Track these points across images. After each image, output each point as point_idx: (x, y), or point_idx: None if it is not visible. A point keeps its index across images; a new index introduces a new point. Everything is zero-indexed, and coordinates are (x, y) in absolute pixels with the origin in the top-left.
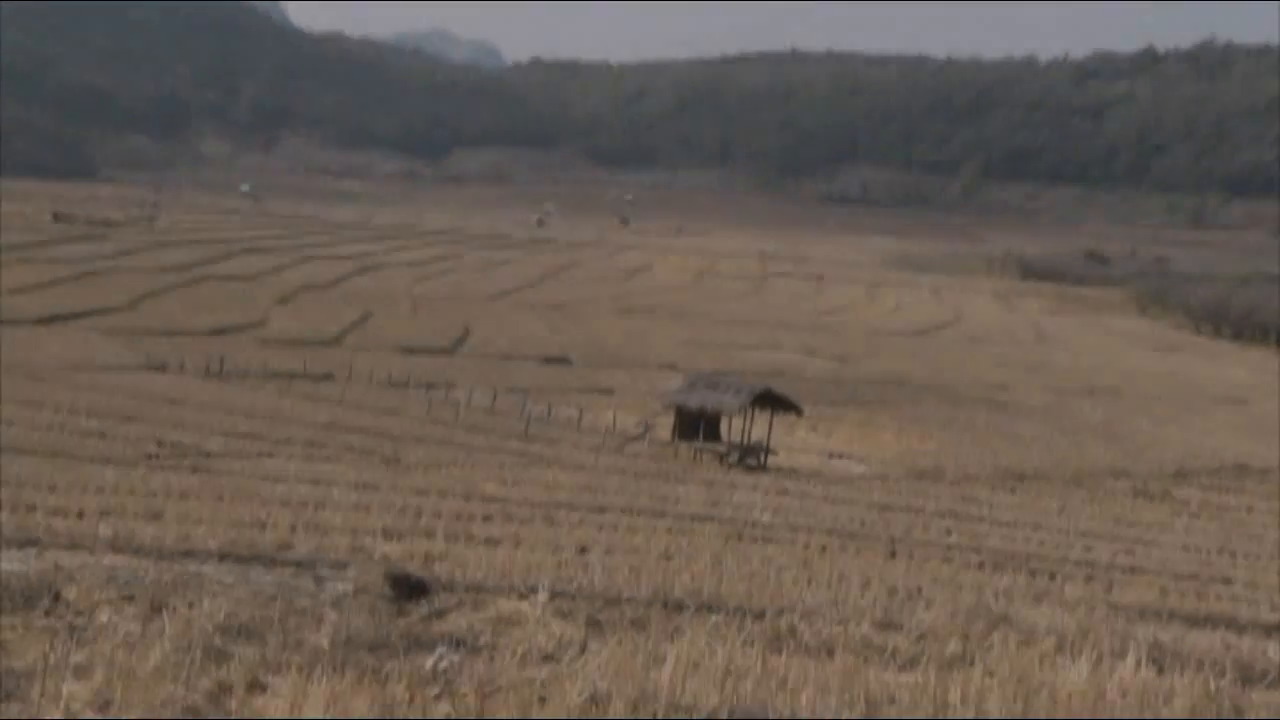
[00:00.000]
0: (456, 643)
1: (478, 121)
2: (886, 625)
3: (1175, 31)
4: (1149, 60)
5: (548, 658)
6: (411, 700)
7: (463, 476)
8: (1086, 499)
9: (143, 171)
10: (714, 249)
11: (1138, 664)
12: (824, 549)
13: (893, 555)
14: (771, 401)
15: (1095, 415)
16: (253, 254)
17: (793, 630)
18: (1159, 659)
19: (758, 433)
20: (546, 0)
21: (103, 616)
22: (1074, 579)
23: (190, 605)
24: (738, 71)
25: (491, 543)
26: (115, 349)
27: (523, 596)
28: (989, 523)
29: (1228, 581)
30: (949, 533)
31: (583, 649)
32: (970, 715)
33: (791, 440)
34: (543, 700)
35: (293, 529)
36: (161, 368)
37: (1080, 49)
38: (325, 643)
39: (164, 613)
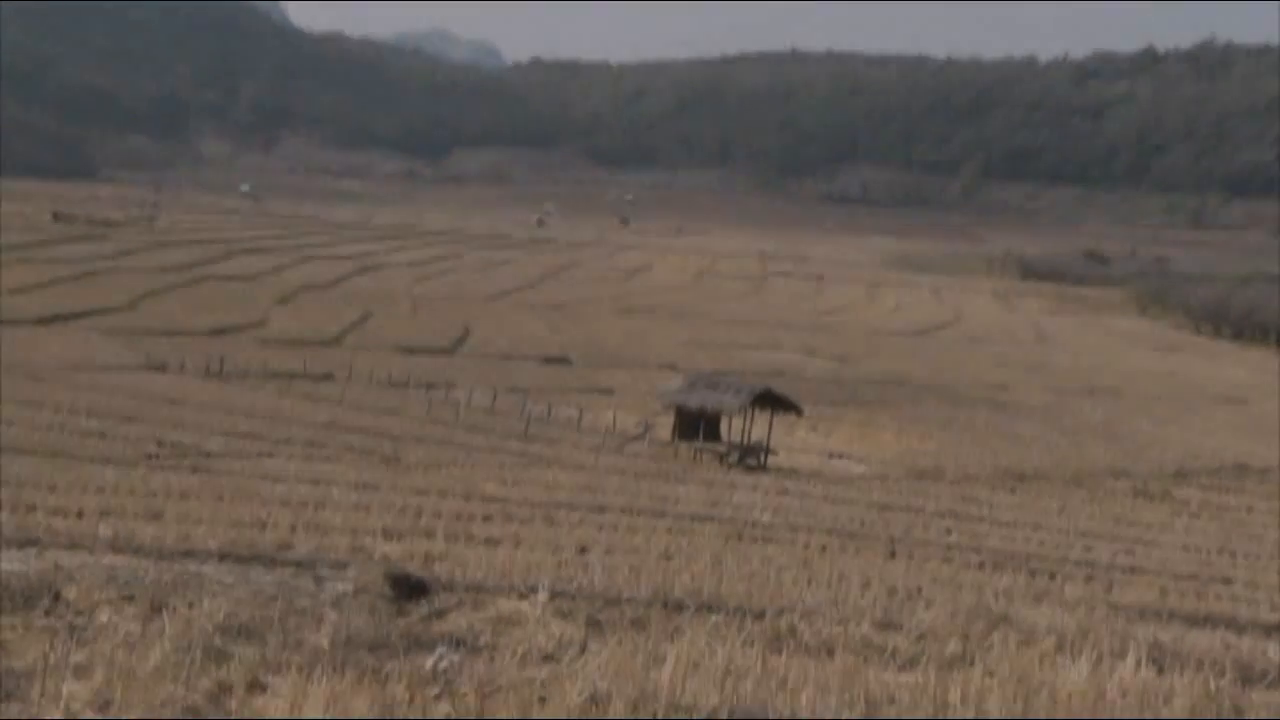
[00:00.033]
0: (456, 643)
1: (478, 121)
2: (886, 625)
3: (1175, 31)
4: (1149, 60)
5: (548, 658)
6: (411, 700)
7: (463, 476)
8: (1086, 499)
9: (143, 171)
10: (714, 249)
11: (1138, 664)
12: (824, 549)
13: (893, 555)
14: (771, 401)
15: (1095, 415)
16: (253, 254)
17: (793, 630)
18: (1159, 659)
19: (758, 433)
20: (546, 0)
21: (103, 616)
22: (1074, 579)
23: (190, 605)
24: (738, 71)
25: (491, 543)
26: (115, 349)
27: (523, 596)
28: (989, 523)
29: (1228, 581)
30: (949, 533)
31: (583, 649)
32: (970, 715)
33: (791, 440)
34: (543, 700)
35: (293, 529)
36: (161, 368)
37: (1080, 49)
38: (325, 643)
39: (164, 613)
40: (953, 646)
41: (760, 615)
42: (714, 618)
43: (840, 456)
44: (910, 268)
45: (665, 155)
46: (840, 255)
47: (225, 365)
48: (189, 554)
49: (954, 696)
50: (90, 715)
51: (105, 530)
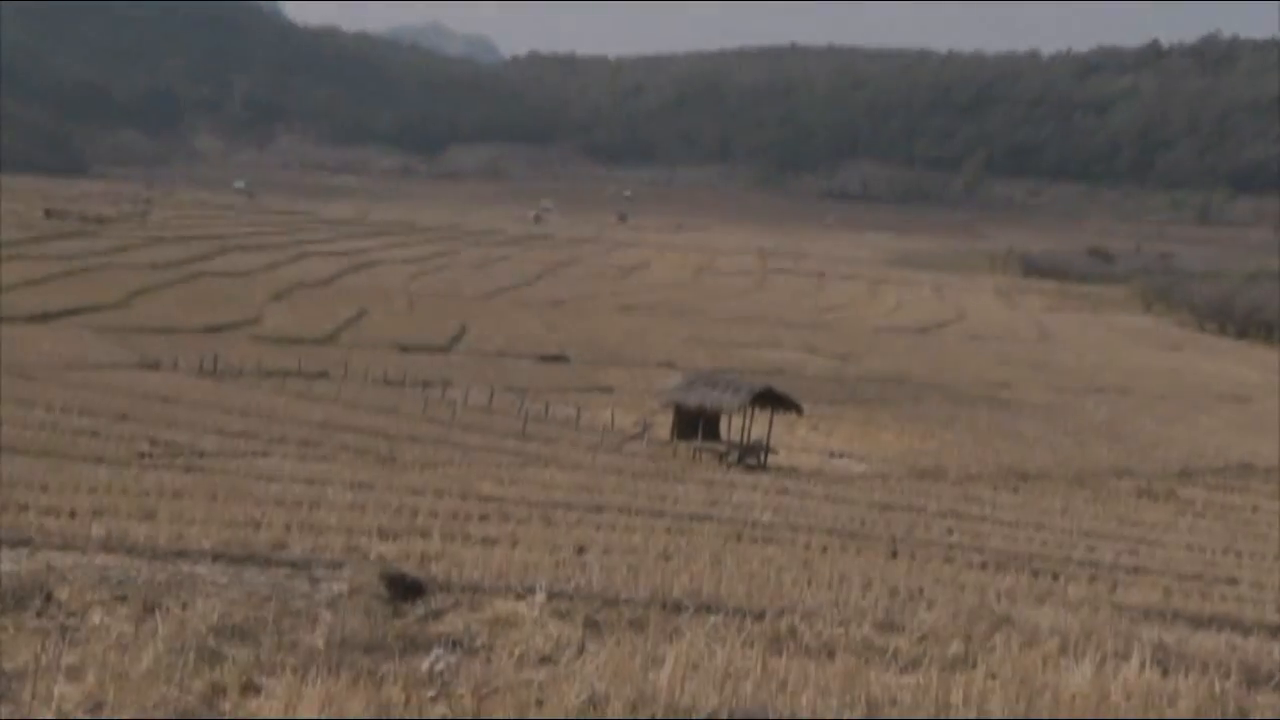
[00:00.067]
0: (453, 644)
1: (474, 117)
2: (888, 626)
3: (1179, 26)
4: (1153, 55)
5: (545, 659)
6: (407, 702)
7: (459, 476)
8: (1090, 498)
9: (136, 167)
10: (713, 246)
11: (1142, 665)
12: (824, 549)
13: (894, 555)
14: (771, 400)
15: (1099, 414)
16: (247, 251)
17: (793, 631)
18: (1163, 660)
19: (757, 431)
20: None
21: (95, 617)
22: (1077, 579)
23: (184, 606)
24: (737, 66)
25: (488, 543)
26: (108, 347)
27: (520, 597)
28: (991, 522)
29: (1233, 582)
30: (951, 533)
31: (580, 650)
32: (972, 717)
33: (792, 439)
34: (540, 702)
35: (287, 529)
36: (155, 366)
37: (1083, 43)
38: (320, 644)
39: (157, 613)
40: (955, 648)
41: (760, 616)
42: (713, 619)
43: (841, 456)
44: (912, 265)
45: (664, 151)
46: (841, 252)
47: (219, 363)
48: (182, 554)
49: (956, 698)
50: (82, 717)
51: (98, 530)
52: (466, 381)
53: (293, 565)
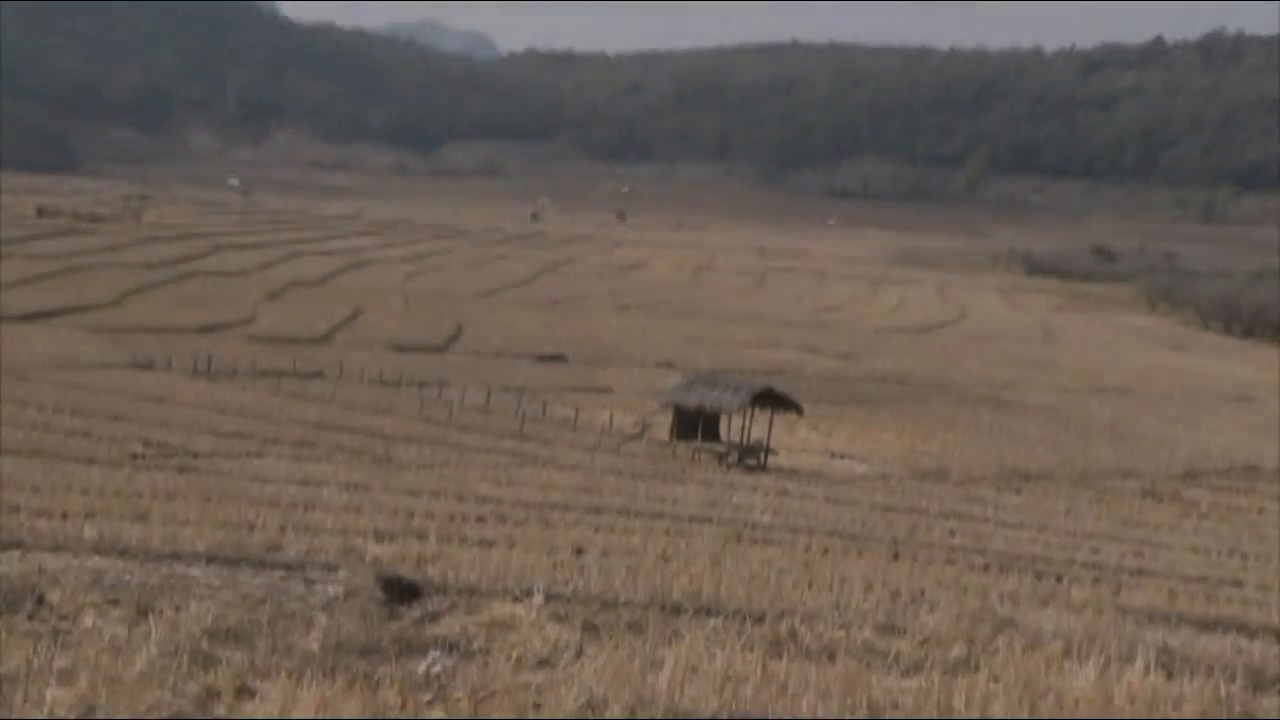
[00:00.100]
0: (450, 647)
1: (471, 114)
2: (889, 629)
3: (1184, 22)
4: (1157, 51)
5: (543, 662)
6: (404, 706)
7: (456, 477)
8: (1094, 500)
9: (129, 165)
10: (713, 244)
11: (1146, 669)
12: (825, 551)
13: (895, 557)
14: (772, 400)
15: (1102, 414)
16: (241, 249)
17: (793, 634)
18: (1168, 664)
19: (757, 432)
20: None
21: (87, 620)
22: (1081, 582)
23: (177, 609)
24: (737, 63)
25: (485, 544)
26: (100, 346)
27: (517, 599)
28: (994, 524)
29: (1238, 584)
30: (953, 534)
31: (579, 653)
32: None
33: (792, 440)
34: (538, 706)
35: (282, 530)
36: (148, 366)
37: (1087, 40)
38: (315, 647)
39: (150, 616)
40: (957, 651)
41: (760, 619)
42: (713, 621)
43: (842, 456)
44: (913, 263)
45: (663, 148)
46: (842, 251)
47: (213, 363)
48: (176, 556)
49: (958, 702)
50: None
51: (90, 532)
52: (463, 381)
53: (287, 567)
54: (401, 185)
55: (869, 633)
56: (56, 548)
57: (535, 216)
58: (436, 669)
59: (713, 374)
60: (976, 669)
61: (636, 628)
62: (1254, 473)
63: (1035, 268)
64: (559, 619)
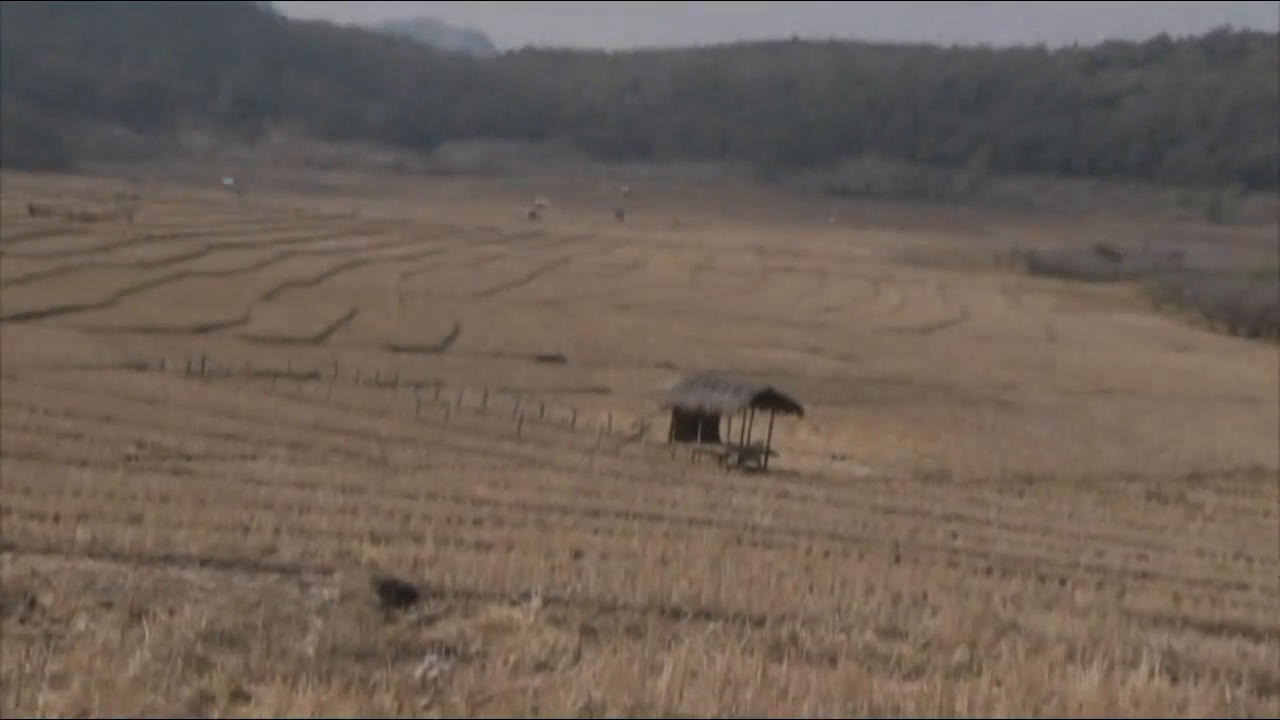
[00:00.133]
0: (446, 651)
1: (468, 112)
2: (891, 633)
3: (1188, 20)
4: (1162, 49)
5: (541, 666)
6: (400, 710)
7: (453, 479)
8: (1097, 502)
9: (121, 163)
10: (712, 243)
11: (1151, 673)
12: (826, 554)
13: (897, 560)
14: (772, 401)
15: (1106, 415)
16: (235, 249)
17: (794, 638)
18: (1172, 667)
19: (758, 433)
20: None
21: (80, 624)
22: (1084, 585)
23: (171, 612)
24: (737, 61)
25: (482, 547)
26: (93, 347)
27: (515, 603)
28: (997, 526)
29: (1244, 587)
30: (955, 537)
31: (577, 657)
32: None
33: (792, 441)
34: (536, 710)
35: (277, 533)
36: (141, 366)
37: (1091, 38)
38: (310, 651)
39: (144, 620)
40: (959, 655)
41: (760, 622)
42: (712, 625)
43: (843, 458)
44: (915, 263)
45: (662, 147)
46: (843, 250)
47: (207, 364)
48: (169, 559)
49: (961, 706)
50: None
51: (83, 535)
52: (460, 382)
53: (282, 570)
54: (398, 184)
55: (870, 636)
56: (49, 550)
57: (533, 216)
58: (433, 673)
59: (712, 375)
60: (979, 673)
61: (635, 631)
62: (1260, 475)
63: (1038, 267)
64: (557, 622)
